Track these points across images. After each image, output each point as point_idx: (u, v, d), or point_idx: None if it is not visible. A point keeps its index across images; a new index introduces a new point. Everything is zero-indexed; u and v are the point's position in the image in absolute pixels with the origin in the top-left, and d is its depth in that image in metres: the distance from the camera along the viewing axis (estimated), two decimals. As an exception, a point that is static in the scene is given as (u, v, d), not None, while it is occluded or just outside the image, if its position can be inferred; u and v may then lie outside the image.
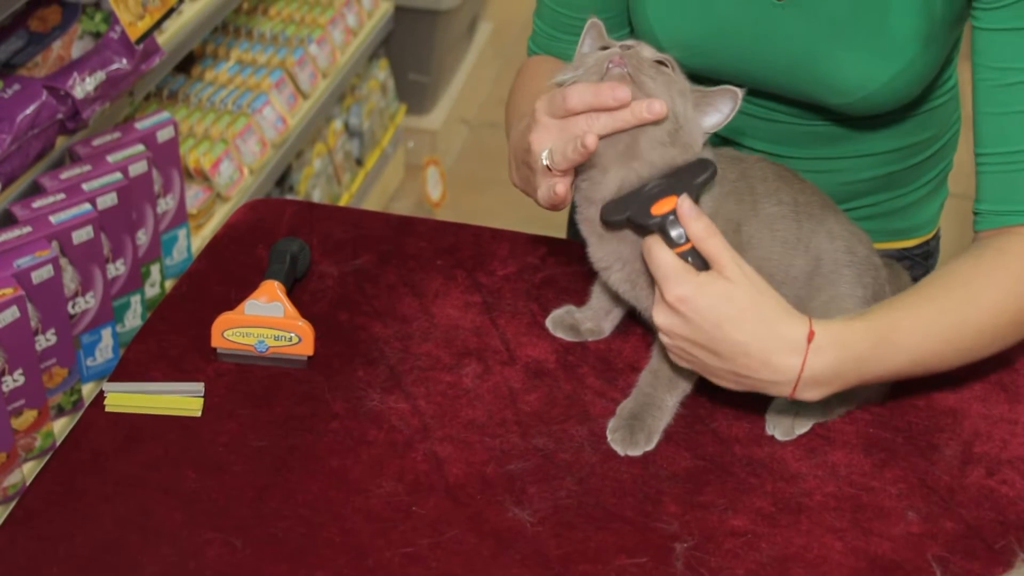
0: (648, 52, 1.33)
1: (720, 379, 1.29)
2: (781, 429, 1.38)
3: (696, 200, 1.27)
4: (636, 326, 1.51)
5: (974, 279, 1.34)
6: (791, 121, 1.57)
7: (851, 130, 1.57)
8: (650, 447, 1.36)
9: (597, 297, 1.50)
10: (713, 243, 1.24)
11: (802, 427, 1.39)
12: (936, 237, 1.81)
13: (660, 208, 1.26)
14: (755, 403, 1.41)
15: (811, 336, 1.25)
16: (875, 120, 1.57)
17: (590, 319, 1.51)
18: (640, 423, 1.36)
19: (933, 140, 1.66)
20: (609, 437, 1.37)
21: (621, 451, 1.35)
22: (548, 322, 1.52)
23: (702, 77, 1.55)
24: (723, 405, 1.41)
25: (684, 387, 1.39)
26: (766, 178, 1.40)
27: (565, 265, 1.62)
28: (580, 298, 1.54)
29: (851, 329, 1.27)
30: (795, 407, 1.38)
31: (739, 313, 1.24)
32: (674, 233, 1.25)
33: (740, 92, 1.31)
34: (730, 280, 1.24)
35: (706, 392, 1.42)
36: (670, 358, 1.32)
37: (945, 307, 1.32)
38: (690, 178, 1.28)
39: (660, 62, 1.32)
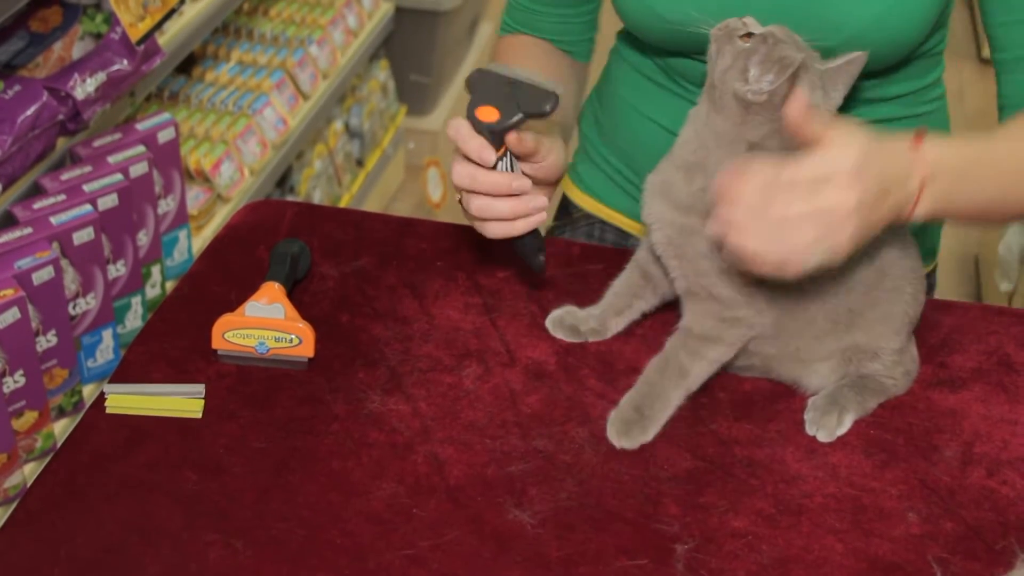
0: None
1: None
2: (825, 431, 1.38)
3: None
4: (637, 328, 1.51)
5: None
6: None
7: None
8: (646, 439, 1.36)
9: (615, 294, 1.50)
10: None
11: (843, 427, 1.39)
12: (934, 271, 1.80)
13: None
14: (756, 404, 1.42)
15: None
16: (864, 109, 1.57)
17: (596, 318, 1.50)
18: (639, 415, 1.36)
19: None
20: (608, 428, 1.37)
21: (616, 443, 1.36)
22: (548, 322, 1.52)
23: (683, 31, 1.52)
24: (724, 406, 1.41)
25: (691, 382, 1.38)
26: None
27: (565, 266, 1.62)
28: (580, 299, 1.54)
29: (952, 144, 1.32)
30: (838, 406, 1.39)
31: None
32: None
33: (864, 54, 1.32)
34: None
35: (707, 393, 1.42)
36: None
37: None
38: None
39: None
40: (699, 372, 1.38)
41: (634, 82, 1.68)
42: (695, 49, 1.53)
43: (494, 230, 1.43)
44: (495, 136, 1.37)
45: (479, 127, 1.37)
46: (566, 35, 1.68)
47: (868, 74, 1.49)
